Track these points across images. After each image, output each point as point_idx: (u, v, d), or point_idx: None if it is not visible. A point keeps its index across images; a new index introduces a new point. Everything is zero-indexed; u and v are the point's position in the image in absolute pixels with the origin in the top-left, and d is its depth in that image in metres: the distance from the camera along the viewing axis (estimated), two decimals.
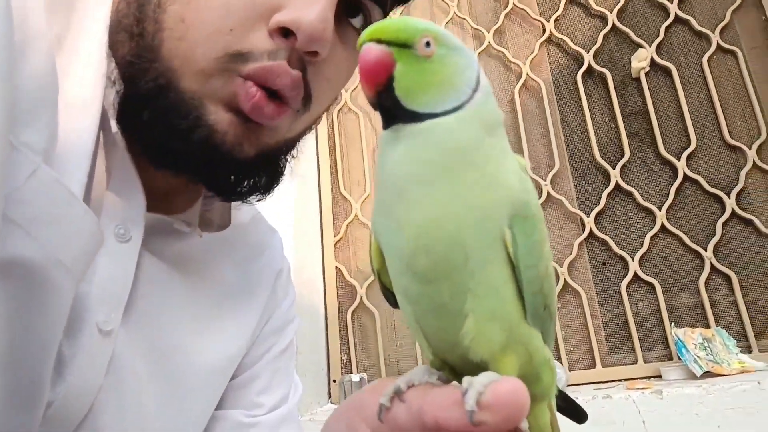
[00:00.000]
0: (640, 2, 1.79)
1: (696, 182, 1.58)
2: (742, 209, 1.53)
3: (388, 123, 0.30)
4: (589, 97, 1.73)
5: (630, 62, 1.72)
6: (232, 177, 0.44)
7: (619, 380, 1.44)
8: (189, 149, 0.39)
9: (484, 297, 0.29)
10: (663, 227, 1.57)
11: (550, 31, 1.80)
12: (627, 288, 1.54)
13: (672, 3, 1.73)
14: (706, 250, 1.52)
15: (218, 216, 0.52)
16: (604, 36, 1.76)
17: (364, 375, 1.49)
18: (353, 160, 1.85)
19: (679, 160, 1.60)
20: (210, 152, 0.39)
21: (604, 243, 1.59)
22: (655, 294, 1.52)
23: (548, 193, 1.66)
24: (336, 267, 1.73)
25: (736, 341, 1.40)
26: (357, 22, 0.45)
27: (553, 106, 1.76)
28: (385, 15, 0.47)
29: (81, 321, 0.37)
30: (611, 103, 1.70)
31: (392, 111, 0.29)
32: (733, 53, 1.66)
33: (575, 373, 1.49)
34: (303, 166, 1.75)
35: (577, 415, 0.40)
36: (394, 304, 0.34)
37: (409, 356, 1.63)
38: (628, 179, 1.63)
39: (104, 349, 0.39)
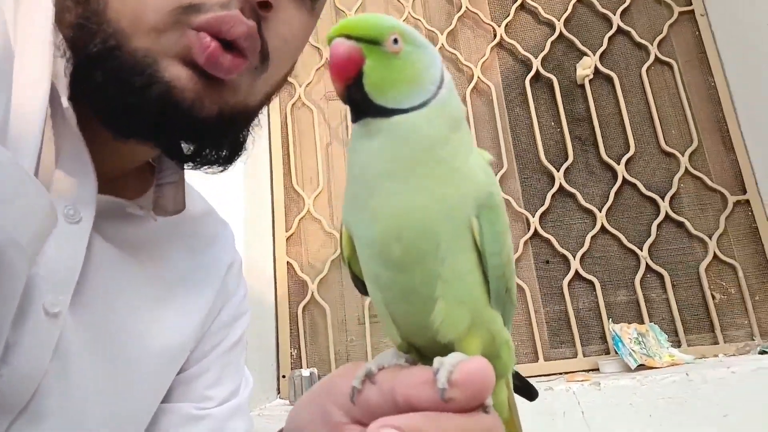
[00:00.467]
0: (585, 12, 1.87)
1: (634, 186, 1.67)
2: (675, 212, 1.62)
3: (357, 116, 0.31)
4: (536, 102, 1.79)
5: (575, 69, 1.79)
6: (194, 140, 0.44)
7: (560, 373, 1.50)
8: (147, 108, 0.38)
9: (453, 282, 0.31)
10: (603, 228, 1.64)
11: (501, 36, 1.85)
12: (568, 285, 1.60)
13: (615, 14, 1.82)
14: (641, 250, 1.60)
15: (171, 202, 0.52)
16: (552, 43, 1.82)
17: (315, 370, 1.49)
18: (306, 156, 1.84)
19: (618, 164, 1.68)
20: (169, 110, 0.39)
21: (548, 242, 1.65)
22: (595, 291, 1.59)
23: None
24: (287, 262, 1.72)
25: (667, 336, 1.49)
26: None
27: (502, 108, 1.81)
28: None
29: (27, 303, 0.36)
30: (557, 108, 1.77)
31: (361, 105, 0.30)
32: (669, 65, 1.76)
33: (519, 367, 1.54)
34: (255, 161, 1.73)
35: (529, 392, 0.42)
36: (363, 291, 0.35)
37: (360, 351, 1.65)
38: (571, 181, 1.70)
39: (50, 332, 0.38)
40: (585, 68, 1.77)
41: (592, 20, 1.86)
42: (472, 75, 1.82)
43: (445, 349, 0.30)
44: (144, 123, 0.40)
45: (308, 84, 1.88)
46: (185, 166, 0.51)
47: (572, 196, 1.68)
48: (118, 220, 0.47)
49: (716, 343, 1.51)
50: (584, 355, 1.54)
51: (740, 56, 1.68)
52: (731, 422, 1.14)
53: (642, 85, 1.76)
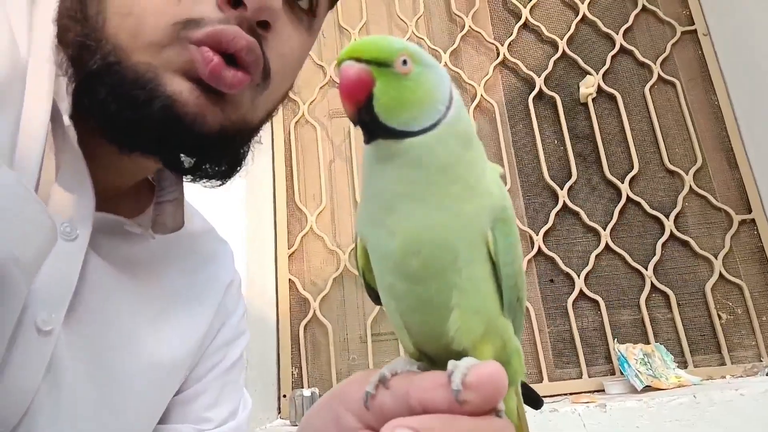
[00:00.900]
0: (588, 31, 1.88)
1: (638, 204, 1.66)
2: (679, 231, 1.61)
3: (369, 138, 0.31)
4: (539, 120, 1.79)
5: (578, 88, 1.80)
6: (196, 154, 0.44)
7: (565, 394, 1.48)
8: (149, 122, 0.38)
9: (469, 292, 0.32)
10: (607, 246, 1.63)
11: (504, 55, 1.86)
12: (573, 304, 1.59)
13: (618, 33, 1.83)
14: (646, 269, 1.59)
15: (170, 219, 0.51)
16: (555, 62, 1.83)
17: (316, 389, 1.47)
18: (309, 173, 1.85)
19: (622, 182, 1.68)
20: (172, 124, 0.38)
21: (552, 260, 1.64)
22: (600, 310, 1.58)
23: None
24: (289, 279, 1.71)
25: (673, 357, 1.47)
26: (304, 3, 0.46)
27: (506, 127, 1.81)
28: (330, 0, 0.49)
29: (20, 320, 0.36)
30: (560, 126, 1.77)
31: (372, 127, 0.31)
32: (672, 84, 1.77)
33: None
34: (258, 177, 1.73)
35: (535, 402, 0.42)
36: (377, 300, 0.36)
37: (362, 370, 1.62)
38: (575, 200, 1.70)
39: (42, 350, 0.38)
40: (588, 87, 1.77)
41: (594, 39, 1.87)
42: (475, 93, 1.82)
43: (458, 357, 0.31)
44: (147, 137, 0.40)
45: (312, 101, 1.89)
46: (184, 179, 0.50)
47: (576, 214, 1.68)
48: (115, 238, 0.47)
49: (723, 364, 1.49)
50: (589, 376, 1.52)
51: (743, 75, 1.68)
52: None
53: (645, 104, 1.76)
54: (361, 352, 1.64)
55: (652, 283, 1.57)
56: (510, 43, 1.88)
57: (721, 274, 1.56)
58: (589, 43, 1.86)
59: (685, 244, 1.61)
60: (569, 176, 1.71)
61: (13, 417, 0.37)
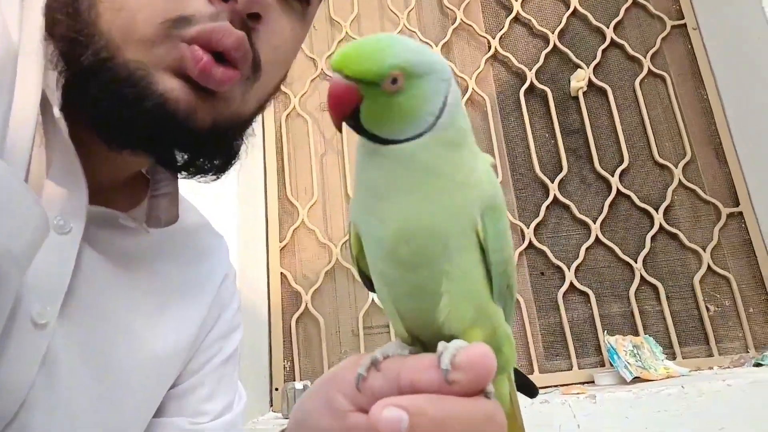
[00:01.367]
0: (579, 25, 1.88)
1: (628, 197, 1.67)
2: (669, 224, 1.63)
3: (357, 133, 0.32)
4: (530, 113, 1.80)
5: (569, 81, 1.80)
6: (189, 150, 0.44)
7: (556, 386, 1.49)
8: (141, 120, 0.38)
9: (459, 279, 0.32)
10: (597, 239, 1.64)
11: (495, 48, 1.86)
12: (563, 297, 1.60)
13: (608, 27, 1.83)
14: (636, 262, 1.60)
15: (165, 212, 0.51)
16: (546, 55, 1.84)
17: (308, 382, 1.48)
18: (301, 166, 1.84)
19: (612, 176, 1.69)
20: (164, 122, 0.39)
21: (543, 253, 1.65)
22: (590, 303, 1.59)
23: None
24: (281, 273, 1.71)
25: (662, 348, 1.49)
26: None
27: (497, 120, 1.81)
28: None
29: (14, 313, 0.36)
30: (551, 119, 1.78)
31: (357, 131, 0.32)
32: (662, 78, 1.78)
33: None
34: (249, 171, 1.72)
35: (529, 390, 0.43)
36: (370, 287, 0.37)
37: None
38: (566, 193, 1.70)
39: (37, 344, 0.38)
40: (579, 80, 1.78)
41: (585, 33, 1.87)
42: (467, 87, 1.82)
43: (449, 342, 0.31)
44: (139, 135, 0.40)
45: (303, 94, 1.88)
46: (179, 176, 0.50)
47: (567, 207, 1.69)
48: (110, 231, 0.46)
49: (711, 355, 1.51)
50: (579, 368, 1.53)
51: (732, 69, 1.69)
52: None
53: (635, 98, 1.77)
54: (353, 346, 1.64)
55: (641, 276, 1.59)
56: (501, 37, 1.88)
57: (709, 267, 1.58)
58: (580, 37, 1.87)
59: (674, 237, 1.62)
60: (560, 170, 1.72)
61: (9, 411, 0.37)
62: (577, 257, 1.63)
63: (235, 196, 1.54)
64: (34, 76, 0.37)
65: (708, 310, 1.55)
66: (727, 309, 1.55)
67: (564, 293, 1.60)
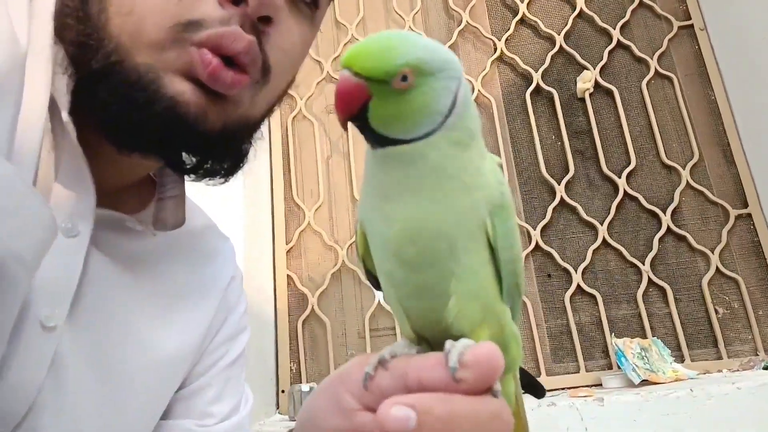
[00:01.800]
0: (585, 26, 1.88)
1: (635, 199, 1.66)
2: (676, 226, 1.62)
3: (362, 134, 0.32)
4: (536, 115, 1.79)
5: (576, 83, 1.80)
6: (198, 153, 0.44)
7: (563, 388, 1.48)
8: (151, 123, 0.38)
9: (467, 279, 0.32)
10: (604, 241, 1.64)
11: (501, 50, 1.86)
12: (570, 299, 1.59)
13: (614, 29, 1.83)
14: (643, 264, 1.59)
15: (172, 216, 0.51)
16: (552, 57, 1.83)
17: (314, 384, 1.48)
18: (307, 168, 1.84)
19: (619, 177, 1.68)
20: (174, 125, 0.39)
21: (549, 255, 1.65)
22: (597, 305, 1.58)
23: None
24: (287, 275, 1.71)
25: (670, 351, 1.48)
26: None
27: (503, 122, 1.81)
28: None
29: (23, 316, 0.36)
30: (558, 121, 1.77)
31: (364, 131, 0.31)
32: (669, 79, 1.77)
33: None
34: (256, 173, 1.73)
35: (536, 390, 0.43)
36: (377, 286, 0.37)
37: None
38: (573, 195, 1.70)
39: (46, 346, 0.38)
40: (585, 82, 1.77)
41: (592, 34, 1.87)
42: (473, 88, 1.82)
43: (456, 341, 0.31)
44: (149, 137, 0.40)
45: (309, 97, 1.89)
46: (187, 178, 0.50)
47: (573, 209, 1.68)
48: (117, 234, 0.47)
49: (720, 358, 1.50)
50: (587, 370, 1.53)
51: (739, 70, 1.68)
52: None
53: (642, 99, 1.76)
54: (359, 348, 1.64)
55: (649, 278, 1.58)
56: (507, 38, 1.87)
57: (717, 269, 1.56)
58: (586, 39, 1.86)
59: (682, 238, 1.61)
60: (566, 171, 1.71)
61: (17, 413, 0.37)
62: (584, 259, 1.62)
63: (241, 198, 1.55)
64: (42, 80, 0.37)
65: (716, 312, 1.54)
66: (736, 311, 1.54)
67: (571, 295, 1.59)
